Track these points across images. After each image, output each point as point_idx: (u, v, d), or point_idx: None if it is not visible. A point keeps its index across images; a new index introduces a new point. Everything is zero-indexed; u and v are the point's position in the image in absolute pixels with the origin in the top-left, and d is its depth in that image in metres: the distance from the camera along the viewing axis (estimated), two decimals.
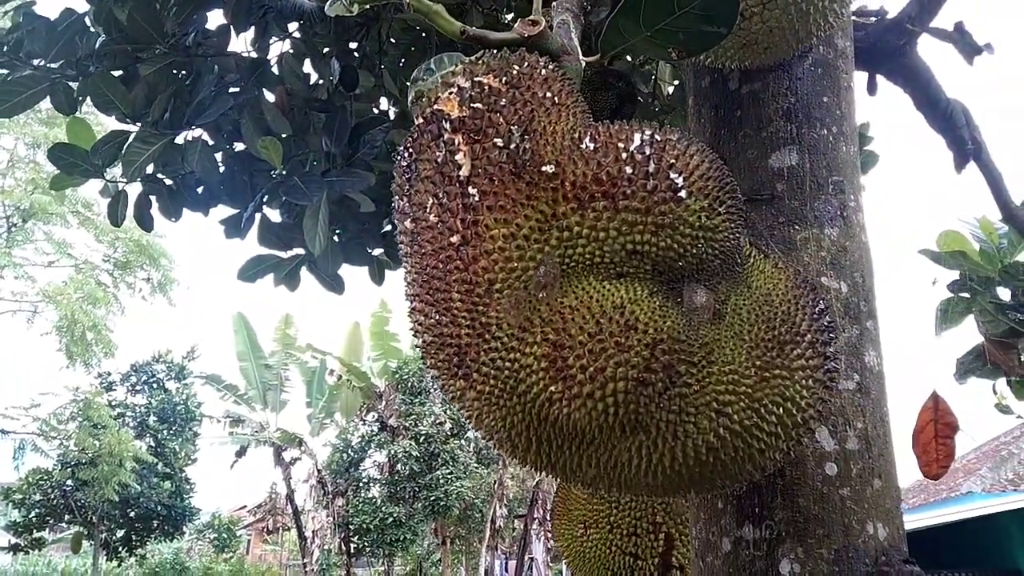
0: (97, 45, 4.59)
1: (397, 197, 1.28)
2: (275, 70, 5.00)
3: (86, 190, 20.26)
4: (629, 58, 4.16)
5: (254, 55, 4.94)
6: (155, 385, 27.02)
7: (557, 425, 1.11)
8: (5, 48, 4.54)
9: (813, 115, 1.75)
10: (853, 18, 2.18)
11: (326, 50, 5.30)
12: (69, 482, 23.67)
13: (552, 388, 1.08)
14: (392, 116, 5.50)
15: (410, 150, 1.27)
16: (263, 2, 4.84)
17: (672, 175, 1.12)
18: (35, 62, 4.53)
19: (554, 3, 1.49)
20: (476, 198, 1.14)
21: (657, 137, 1.16)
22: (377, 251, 5.44)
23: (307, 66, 5.19)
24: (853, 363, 1.59)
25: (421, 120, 1.26)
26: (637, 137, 1.15)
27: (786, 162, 1.71)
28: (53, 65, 4.57)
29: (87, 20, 4.58)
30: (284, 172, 4.58)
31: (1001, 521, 15.24)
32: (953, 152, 2.39)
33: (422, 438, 22.17)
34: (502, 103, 1.19)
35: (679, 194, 1.12)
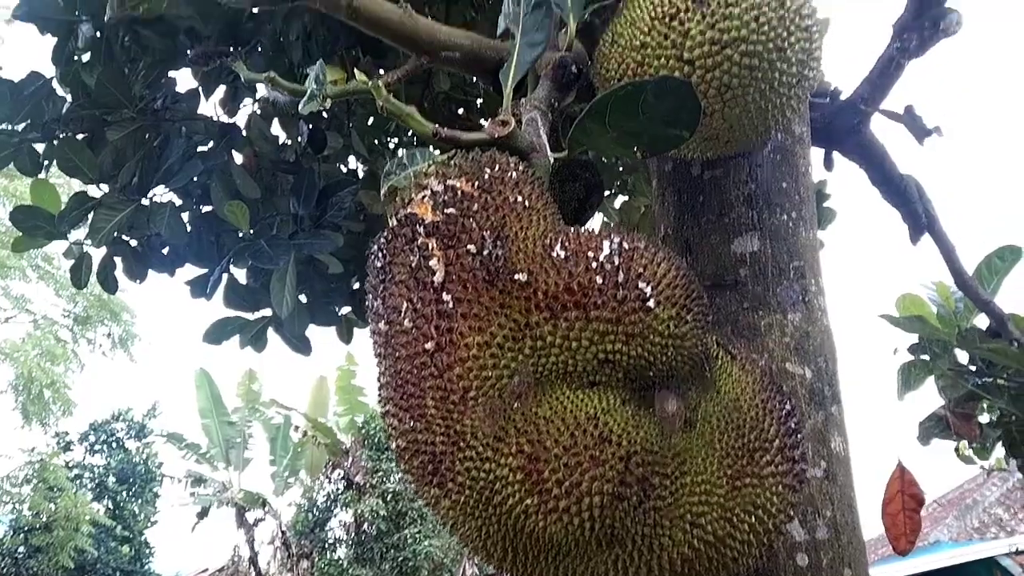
0: (64, 110, 4.57)
1: (371, 297, 1.30)
2: (243, 132, 5.01)
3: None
4: None
5: (224, 118, 4.96)
6: (114, 444, 26.21)
7: (533, 537, 1.11)
8: None
9: (773, 201, 1.81)
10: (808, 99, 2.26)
11: (293, 113, 5.33)
12: (21, 549, 22.71)
13: (528, 501, 1.09)
14: (360, 175, 5.52)
15: (384, 252, 1.29)
16: (229, 69, 4.87)
17: (641, 284, 1.15)
18: (0, 126, 4.50)
19: (523, 100, 1.54)
20: (450, 305, 1.15)
21: (625, 245, 1.19)
22: (345, 310, 5.40)
23: (275, 127, 5.21)
24: (820, 450, 1.62)
25: (395, 222, 1.28)
26: (606, 245, 1.18)
27: (748, 248, 1.76)
28: (18, 128, 4.54)
29: (54, 83, 4.57)
30: (251, 234, 4.56)
31: (970, 570, 15.32)
32: (908, 225, 2.48)
33: (389, 496, 21.73)
34: (475, 208, 1.22)
35: (648, 303, 1.15)
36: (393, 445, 1.24)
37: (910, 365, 3.53)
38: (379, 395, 1.27)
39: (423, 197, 1.26)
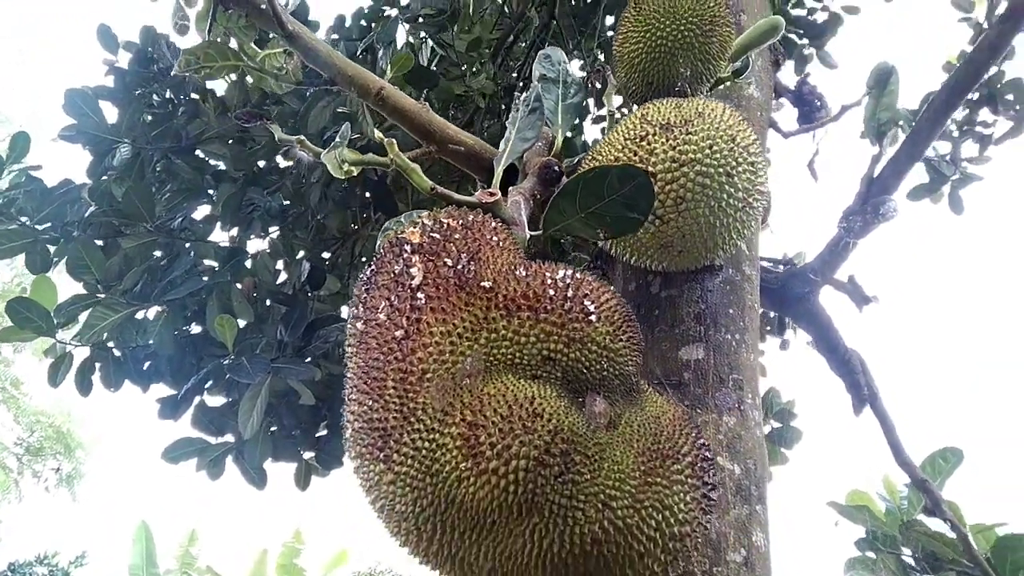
0: (87, 214, 4.86)
1: (353, 307, 1.47)
2: (248, 263, 5.30)
3: (20, 369, 19.72)
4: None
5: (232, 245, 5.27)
6: None
7: (463, 508, 1.21)
8: (1, 201, 4.78)
9: (720, 321, 2.03)
10: (763, 263, 2.55)
11: (301, 254, 5.66)
12: None
13: (463, 465, 1.20)
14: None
15: (373, 267, 1.49)
16: (252, 200, 5.26)
17: (586, 302, 1.35)
18: (22, 219, 4.76)
19: (512, 188, 1.81)
20: (423, 301, 1.34)
21: (578, 275, 1.41)
22: (308, 455, 5.39)
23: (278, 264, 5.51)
24: (741, 538, 1.71)
25: (387, 244, 1.49)
26: (561, 272, 1.40)
27: (693, 356, 1.95)
28: (39, 226, 4.80)
29: (83, 192, 4.91)
30: (234, 355, 4.69)
31: None
32: (852, 395, 2.67)
33: None
34: (456, 236, 1.44)
35: (590, 317, 1.34)
36: (347, 434, 1.36)
37: (856, 561, 3.57)
38: (344, 393, 1.40)
39: (414, 227, 1.48)
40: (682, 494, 1.29)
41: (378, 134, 1.65)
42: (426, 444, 1.23)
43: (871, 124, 2.51)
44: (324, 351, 5.04)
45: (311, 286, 5.30)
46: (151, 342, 4.80)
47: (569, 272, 1.40)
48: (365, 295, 1.45)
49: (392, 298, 1.37)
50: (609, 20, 7.11)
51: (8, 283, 18.61)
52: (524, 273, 1.39)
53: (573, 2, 7.27)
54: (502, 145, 1.77)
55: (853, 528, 3.52)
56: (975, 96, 7.31)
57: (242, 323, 4.80)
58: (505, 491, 1.19)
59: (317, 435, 5.42)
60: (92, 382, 4.97)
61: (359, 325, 1.42)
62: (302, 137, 1.87)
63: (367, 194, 5.76)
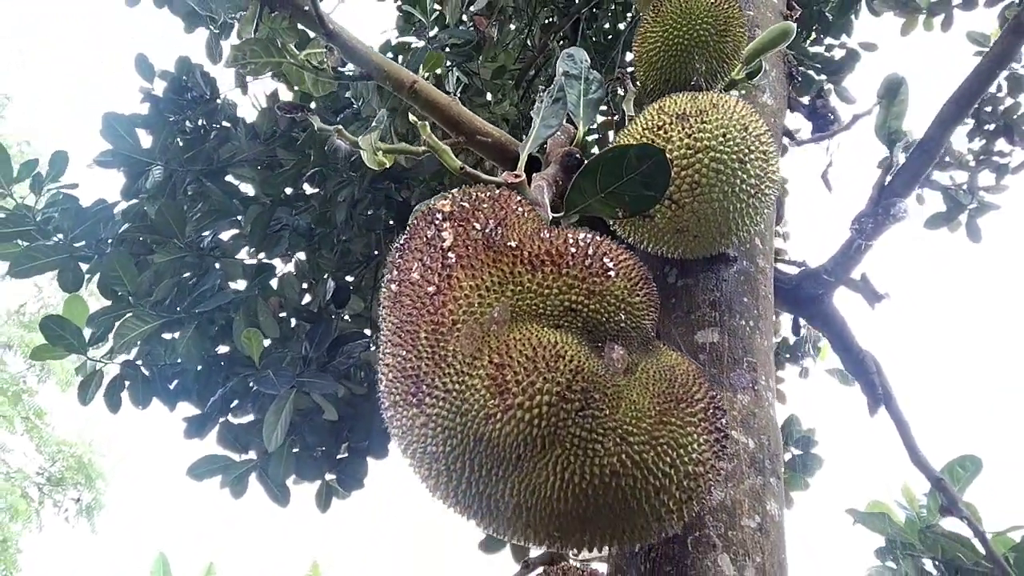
0: (120, 230, 5.03)
1: (388, 272, 1.58)
2: (274, 283, 5.43)
3: (44, 399, 19.95)
4: None
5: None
6: None
7: (491, 444, 1.29)
8: (38, 219, 4.96)
9: (735, 308, 2.11)
10: (778, 264, 2.63)
11: (325, 276, 5.79)
12: None
13: (492, 403, 1.29)
14: (372, 347, 5.84)
15: (406, 235, 1.59)
16: (280, 219, 5.41)
17: (605, 259, 1.45)
18: (57, 237, 4.93)
19: (534, 174, 1.91)
20: (453, 260, 1.44)
21: (598, 237, 1.51)
22: (329, 476, 5.45)
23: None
24: (755, 506, 1.76)
25: (419, 215, 1.60)
26: (582, 234, 1.51)
27: (709, 339, 2.03)
28: (76, 244, 4.96)
29: (116, 212, 5.08)
30: (259, 370, 4.78)
31: None
32: (867, 396, 2.71)
33: None
34: (484, 205, 1.55)
35: (608, 272, 1.43)
36: (382, 387, 1.45)
37: (876, 569, 3.57)
38: (379, 349, 1.50)
39: (445, 199, 1.59)
40: (696, 435, 1.36)
41: (412, 117, 1.77)
42: (456, 385, 1.33)
43: (882, 132, 2.59)
44: (347, 369, 5.13)
45: (336, 304, 5.41)
46: (179, 360, 4.92)
47: (590, 234, 1.50)
48: (399, 259, 1.55)
49: (424, 259, 1.48)
50: (629, 56, 7.28)
51: (35, 314, 18.94)
52: (547, 235, 1.49)
53: (594, 38, 7.48)
54: (527, 135, 1.89)
55: (872, 539, 3.53)
56: (991, 127, 7.41)
57: (267, 342, 4.91)
58: (530, 424, 1.28)
59: (338, 456, 5.46)
60: (121, 399, 5.07)
61: (393, 287, 1.52)
62: (339, 127, 1.99)
63: (391, 221, 5.91)
